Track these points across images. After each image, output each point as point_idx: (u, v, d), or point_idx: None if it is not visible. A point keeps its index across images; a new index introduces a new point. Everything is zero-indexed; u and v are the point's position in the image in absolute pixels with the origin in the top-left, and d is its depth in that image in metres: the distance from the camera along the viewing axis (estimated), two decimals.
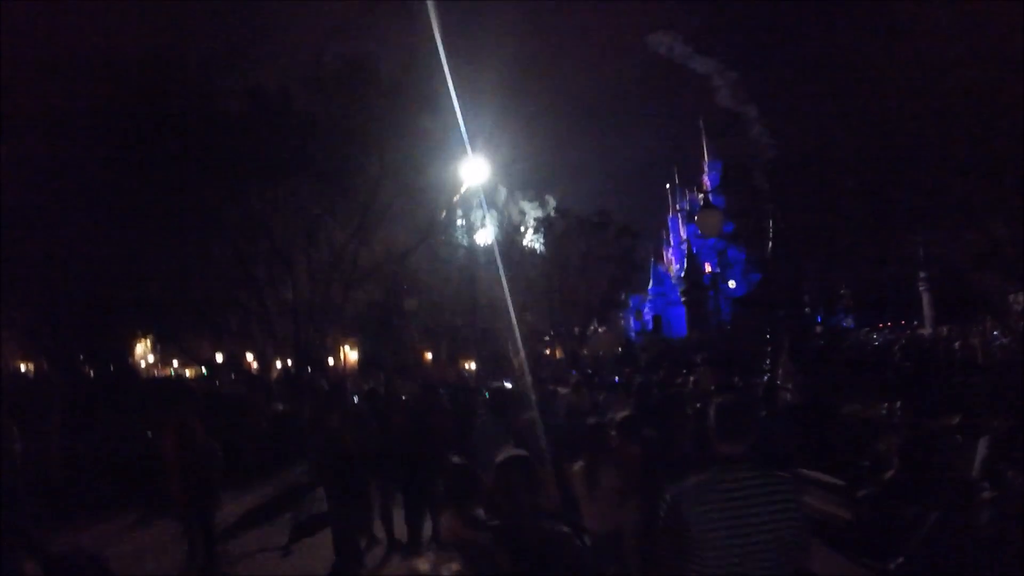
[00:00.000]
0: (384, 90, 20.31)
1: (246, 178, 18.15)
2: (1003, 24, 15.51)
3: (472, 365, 37.09)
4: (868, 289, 30.57)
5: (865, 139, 20.07)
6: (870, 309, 37.78)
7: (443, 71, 23.01)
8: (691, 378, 14.93)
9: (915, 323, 33.26)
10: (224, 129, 17.75)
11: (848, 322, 38.33)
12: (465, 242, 31.61)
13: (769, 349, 21.60)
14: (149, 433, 11.44)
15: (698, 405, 7.12)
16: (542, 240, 38.86)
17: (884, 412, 9.83)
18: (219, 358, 28.62)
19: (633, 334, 53.90)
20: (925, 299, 27.85)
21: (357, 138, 19.75)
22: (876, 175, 20.17)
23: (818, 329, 30.83)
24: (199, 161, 17.44)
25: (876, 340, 31.52)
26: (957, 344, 22.81)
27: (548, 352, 41.87)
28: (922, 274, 25.13)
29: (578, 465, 5.12)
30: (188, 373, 32.12)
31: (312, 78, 19.40)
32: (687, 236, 61.69)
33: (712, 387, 11.30)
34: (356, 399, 13.87)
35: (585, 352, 42.79)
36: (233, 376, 23.63)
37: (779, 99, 27.67)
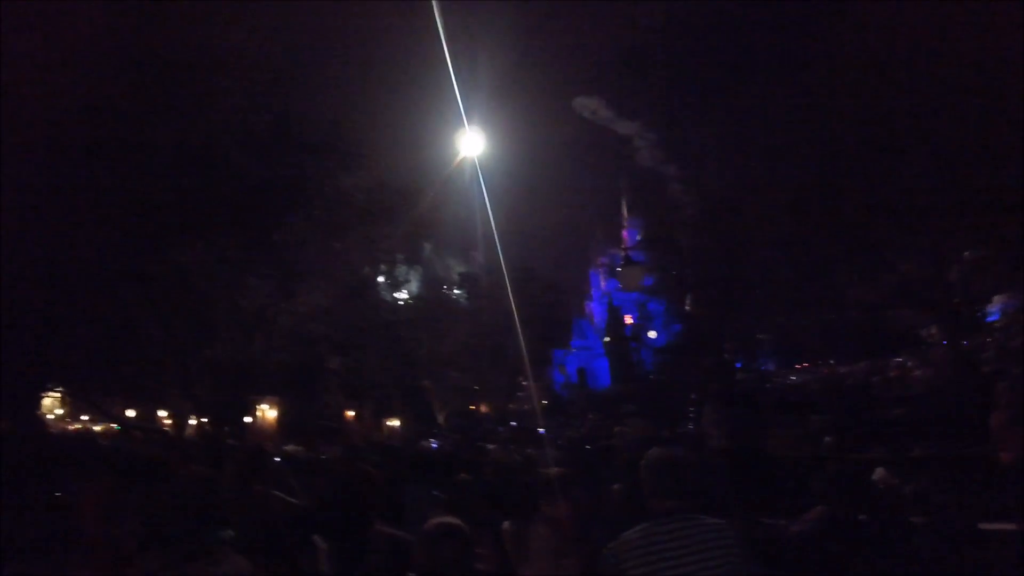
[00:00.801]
0: (312, 148, 20.17)
1: (168, 230, 17.59)
2: (897, 84, 16.60)
3: (398, 424, 36.46)
4: (786, 332, 31.56)
5: (778, 190, 20.97)
6: (789, 352, 38.94)
7: (371, 129, 23.20)
8: (616, 428, 14.98)
9: (831, 362, 34.46)
10: (145, 180, 17.21)
11: (768, 365, 39.35)
12: (389, 298, 31.32)
13: (693, 397, 21.94)
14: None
15: (627, 458, 7.09)
16: (466, 297, 38.87)
17: (811, 449, 10.00)
18: (131, 413, 27.53)
19: (559, 387, 54.09)
20: (841, 340, 28.94)
21: (282, 195, 19.47)
22: (790, 225, 21.08)
23: (739, 375, 31.56)
24: (118, 210, 16.85)
25: (795, 380, 32.47)
26: (875, 379, 23.74)
27: (475, 408, 41.56)
28: (839, 314, 26.16)
29: (509, 525, 4.99)
30: (98, 428, 30.56)
31: (240, 132, 19.12)
32: (608, 290, 62.77)
33: (640, 438, 11.33)
34: (278, 461, 13.34)
35: (512, 407, 42.65)
36: (146, 434, 22.66)
37: (696, 157, 28.80)
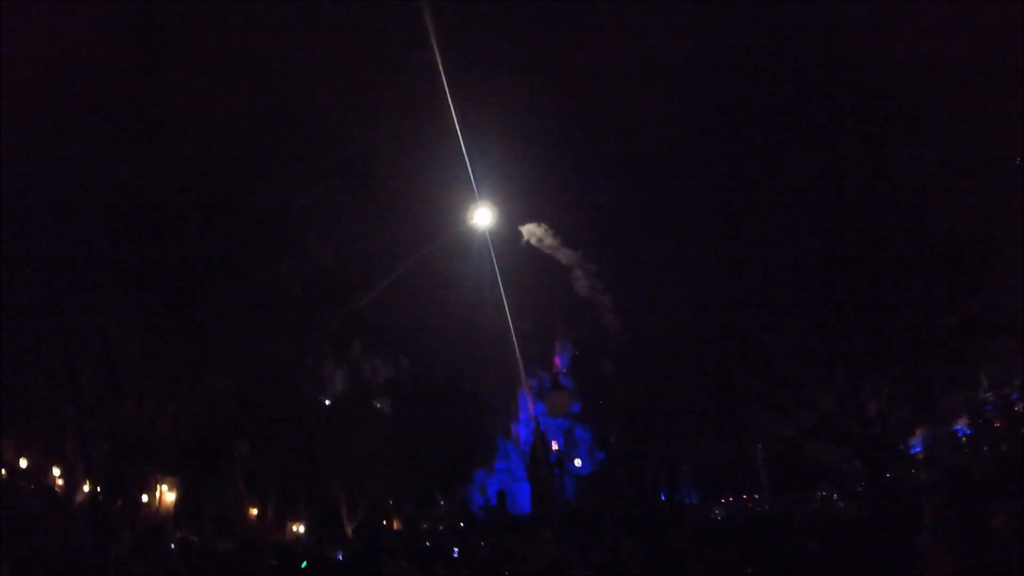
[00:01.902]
0: (254, 226, 19.95)
1: (90, 284, 16.86)
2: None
3: (301, 528, 34.53)
4: (707, 465, 31.58)
5: (701, 327, 21.58)
6: (711, 484, 38.78)
7: (310, 213, 23.15)
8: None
9: (755, 496, 34.39)
10: (72, 229, 16.62)
11: (691, 498, 39.03)
12: (309, 393, 30.24)
13: (612, 526, 21.44)
14: None
15: None
16: (391, 404, 37.93)
17: None
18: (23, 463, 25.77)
19: (477, 508, 52.50)
20: (763, 473, 29.06)
21: (216, 268, 19.02)
22: (712, 360, 21.56)
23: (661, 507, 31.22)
24: (32, 254, 16.13)
25: (718, 515, 32.15)
26: (796, 511, 23.81)
27: (385, 523, 39.72)
28: (759, 447, 26.44)
29: None
30: None
31: (183, 200, 18.80)
32: (536, 413, 62.36)
33: (551, 562, 10.93)
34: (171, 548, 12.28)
35: (425, 526, 40.91)
36: (33, 487, 20.97)
37: (632, 291, 29.62)
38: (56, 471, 23.97)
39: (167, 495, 21.36)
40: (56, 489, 21.32)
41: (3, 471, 22.79)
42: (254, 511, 28.53)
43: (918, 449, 23.98)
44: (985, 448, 22.91)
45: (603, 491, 33.89)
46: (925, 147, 17.27)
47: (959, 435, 24.96)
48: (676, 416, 27.91)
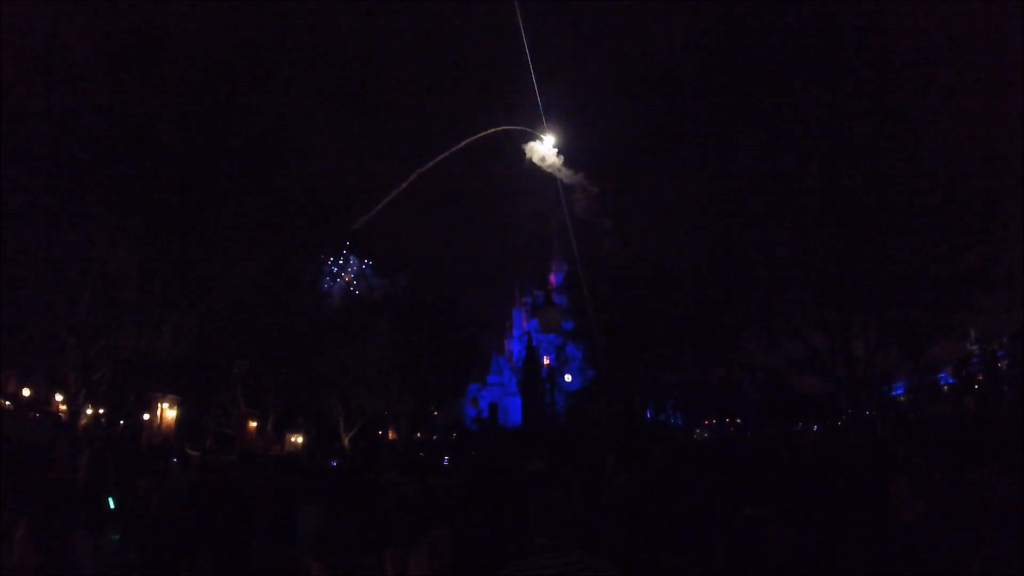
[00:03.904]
0: (247, 144, 19.94)
1: (87, 205, 17.00)
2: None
3: (300, 439, 35.61)
4: (694, 388, 32.41)
5: (699, 256, 21.83)
6: (696, 408, 39.87)
7: (310, 140, 23.07)
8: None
9: (737, 420, 35.37)
10: (69, 150, 16.65)
11: (676, 419, 40.18)
12: (307, 308, 30.68)
13: (598, 442, 22.25)
14: None
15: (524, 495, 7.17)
16: (386, 319, 38.53)
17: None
18: (26, 392, 26.51)
19: (470, 420, 53.91)
20: (748, 401, 29.88)
21: (215, 183, 19.10)
22: (705, 287, 21.92)
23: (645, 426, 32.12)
24: (39, 178, 16.24)
25: (702, 435, 33.14)
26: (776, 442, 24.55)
27: (382, 433, 40.96)
28: (747, 376, 27.04)
29: (391, 552, 5.03)
30: None
31: (180, 117, 18.74)
32: (528, 329, 63.20)
33: (537, 473, 11.43)
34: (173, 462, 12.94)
35: (419, 436, 42.22)
36: (37, 416, 21.65)
37: (630, 215, 29.70)
38: (59, 398, 24.58)
39: (168, 413, 22.02)
40: (60, 416, 21.85)
41: (7, 402, 23.35)
42: (254, 424, 29.43)
43: (900, 391, 24.57)
44: (966, 400, 23.43)
45: (591, 407, 34.87)
46: (932, 92, 17.13)
47: (942, 384, 25.55)
48: (666, 339, 28.53)
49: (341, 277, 35.03)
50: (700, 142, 20.92)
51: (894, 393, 24.68)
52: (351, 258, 35.48)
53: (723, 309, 21.54)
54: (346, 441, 33.97)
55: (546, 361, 56.90)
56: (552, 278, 64.87)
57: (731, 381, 27.82)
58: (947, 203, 16.83)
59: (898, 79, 17.28)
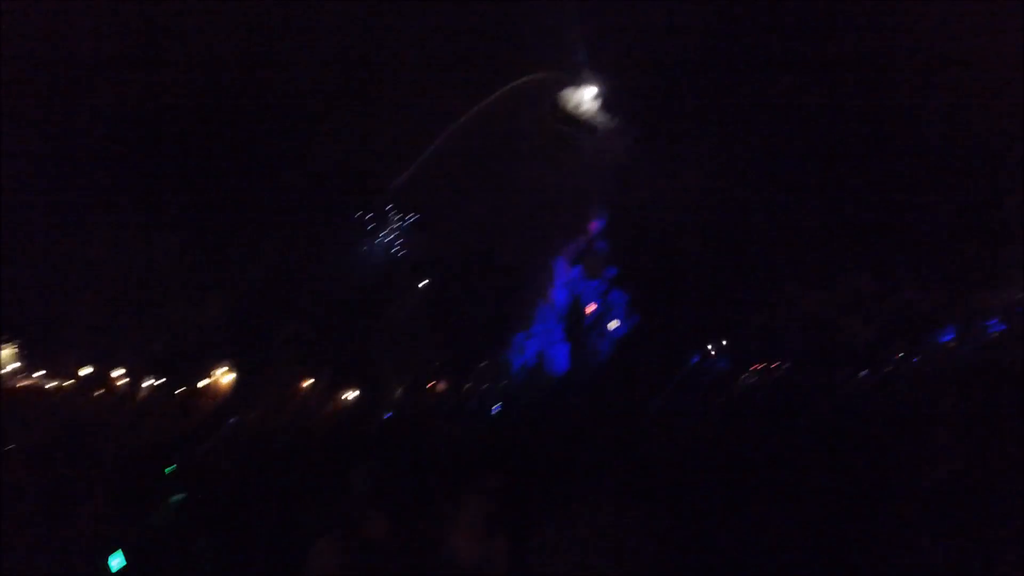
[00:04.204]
0: (279, 110, 20.05)
1: (132, 189, 17.39)
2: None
3: (354, 395, 36.40)
4: (741, 334, 32.11)
5: (744, 195, 21.47)
6: (742, 353, 39.48)
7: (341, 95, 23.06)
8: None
9: (785, 366, 34.85)
10: (110, 135, 17.00)
11: (723, 363, 39.86)
12: (349, 266, 31.14)
13: (644, 385, 22.29)
14: None
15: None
16: (431, 273, 38.83)
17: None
18: (88, 370, 27.25)
19: (516, 369, 54.31)
20: (794, 345, 29.46)
21: (245, 155, 19.33)
22: (752, 232, 21.62)
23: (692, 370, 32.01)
24: (84, 166, 16.65)
25: (748, 380, 32.79)
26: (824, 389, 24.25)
27: (431, 386, 41.60)
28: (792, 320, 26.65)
29: (442, 496, 5.17)
30: (52, 384, 30.21)
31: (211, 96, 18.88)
32: (571, 277, 63.03)
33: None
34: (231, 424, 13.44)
35: (467, 387, 42.79)
36: (98, 393, 22.35)
37: (671, 159, 29.25)
38: (117, 373, 25.33)
39: (223, 380, 22.66)
40: (119, 390, 22.53)
41: (69, 381, 24.12)
42: (306, 384, 30.11)
43: (949, 338, 23.91)
44: (1016, 348, 22.71)
45: (636, 352, 34.92)
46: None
47: (990, 331, 24.74)
48: (711, 283, 28.28)
49: (383, 236, 35.28)
50: (743, 82, 20.44)
51: (943, 339, 24.12)
52: (393, 216, 35.68)
53: (768, 251, 21.25)
54: (397, 395, 34.64)
55: (591, 308, 56.85)
56: (593, 224, 64.25)
57: (776, 326, 27.48)
58: (995, 147, 16.26)
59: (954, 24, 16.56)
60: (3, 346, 24.73)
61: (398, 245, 40.07)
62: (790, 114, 18.79)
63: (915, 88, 16.70)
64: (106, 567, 6.10)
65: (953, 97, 16.40)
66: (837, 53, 17.60)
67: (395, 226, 40.68)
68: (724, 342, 38.30)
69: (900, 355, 19.95)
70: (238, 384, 24.20)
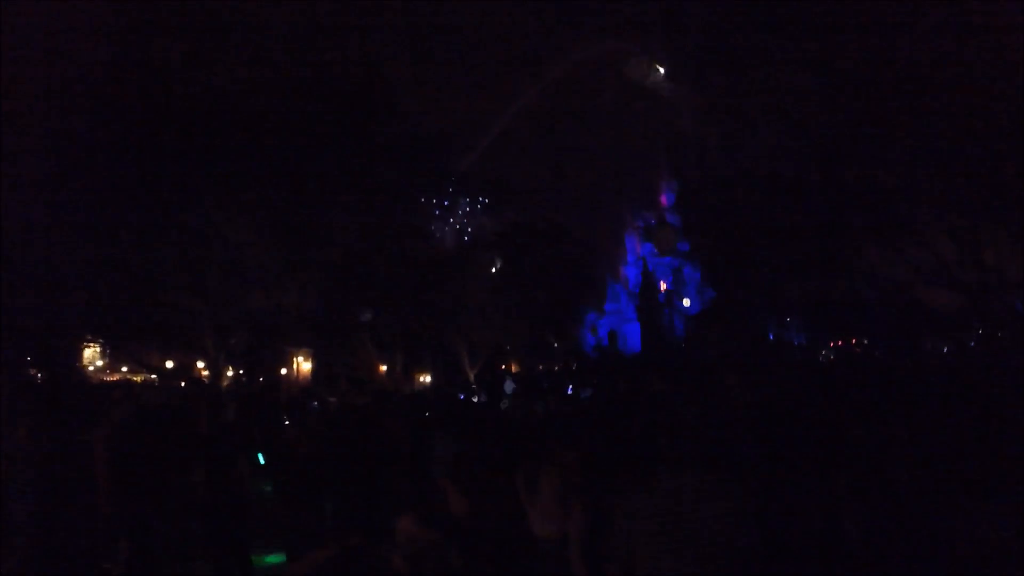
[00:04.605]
0: (347, 97, 20.36)
1: (202, 183, 17.95)
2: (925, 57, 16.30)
3: (428, 378, 37.03)
4: (818, 307, 31.22)
5: (813, 161, 20.79)
6: (819, 327, 38.50)
7: (408, 79, 23.28)
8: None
9: (864, 341, 33.81)
10: (179, 132, 17.57)
11: (800, 339, 38.98)
12: (419, 250, 31.61)
13: (720, 363, 21.96)
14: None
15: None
16: (501, 253, 39.07)
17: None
18: (169, 364, 28.32)
19: (590, 349, 54.33)
20: (874, 317, 28.54)
21: (314, 144, 19.70)
22: (826, 198, 20.91)
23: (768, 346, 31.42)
24: (154, 164, 17.25)
25: (827, 356, 31.96)
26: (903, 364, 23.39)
27: (505, 367, 42.01)
28: (871, 290, 25.72)
29: (521, 471, 5.24)
30: (137, 379, 31.60)
31: (279, 87, 19.32)
32: (643, 254, 62.41)
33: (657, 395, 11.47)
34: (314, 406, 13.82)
35: (541, 367, 43.02)
36: (183, 384, 23.24)
37: (738, 124, 28.49)
38: (200, 364, 26.26)
39: (304, 366, 23.34)
40: (203, 380, 23.41)
41: (153, 375, 25.07)
42: (383, 368, 30.79)
43: None
44: None
45: (711, 329, 34.44)
46: None
47: None
48: (786, 254, 27.57)
49: (452, 216, 35.67)
50: (813, 43, 19.74)
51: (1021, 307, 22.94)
52: (461, 196, 36.00)
53: (844, 218, 20.54)
54: (471, 375, 35.10)
55: (663, 286, 56.32)
56: (663, 199, 63.35)
57: (855, 296, 26.56)
58: None
59: None
60: (89, 345, 25.91)
61: (470, 227, 40.44)
62: (859, 82, 18.06)
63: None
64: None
65: None
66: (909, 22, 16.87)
67: (466, 208, 41.03)
68: (801, 315, 37.38)
69: (980, 327, 19.08)
70: (317, 370, 24.91)
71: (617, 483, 4.30)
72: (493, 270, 37.00)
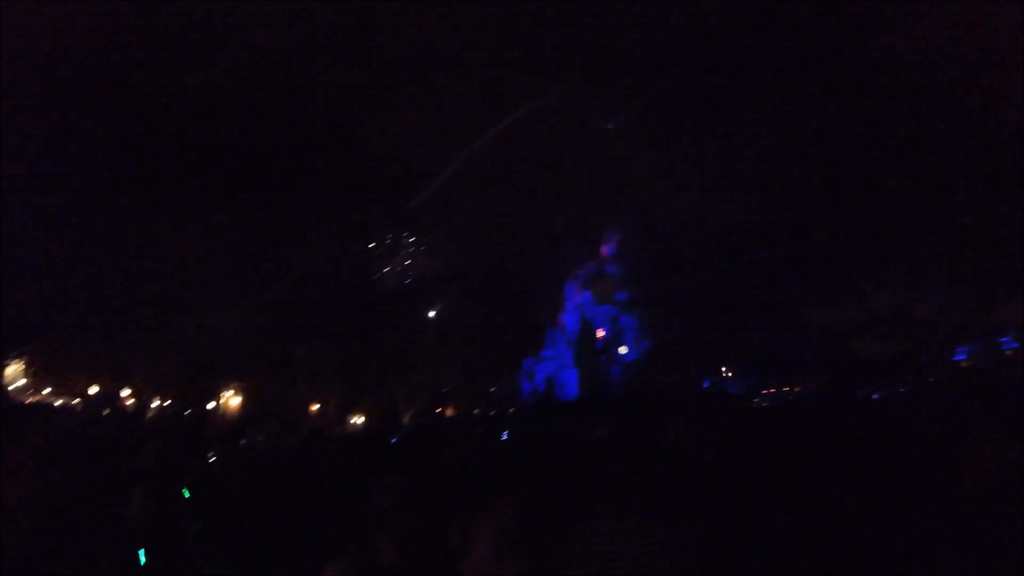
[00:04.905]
0: (299, 130, 20.17)
1: (148, 205, 17.47)
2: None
3: (361, 420, 36.34)
4: (752, 356, 31.83)
5: (753, 214, 21.41)
6: (754, 375, 39.16)
7: (363, 117, 23.24)
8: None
9: (797, 389, 34.46)
10: (126, 142, 17.14)
11: (734, 388, 39.52)
12: (363, 286, 31.25)
13: (657, 409, 22.11)
14: None
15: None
16: (440, 297, 38.89)
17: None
18: (94, 389, 27.31)
19: (526, 395, 54.16)
20: (807, 366, 29.16)
21: (263, 175, 19.42)
22: (762, 248, 21.53)
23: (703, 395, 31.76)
24: (98, 173, 16.76)
25: (760, 404, 32.38)
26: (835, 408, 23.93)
27: (440, 411, 41.53)
28: (805, 340, 26.34)
29: (453, 519, 5.06)
30: (58, 402, 30.22)
31: (231, 115, 18.98)
32: (582, 302, 62.89)
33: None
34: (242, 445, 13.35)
35: (476, 412, 42.66)
36: (107, 412, 22.34)
37: (682, 179, 29.28)
38: (126, 393, 25.22)
39: (232, 400, 22.66)
40: (128, 410, 22.45)
41: (76, 399, 24.00)
42: (316, 407, 30.11)
43: (962, 357, 23.65)
44: None
45: (648, 377, 34.73)
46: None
47: (1004, 348, 24.41)
48: (722, 304, 28.14)
49: (397, 257, 35.45)
50: (757, 102, 20.44)
51: (955, 358, 23.85)
52: (407, 237, 35.86)
53: (780, 270, 21.14)
54: (406, 419, 34.56)
55: (601, 333, 56.70)
56: (604, 249, 64.18)
57: (789, 346, 27.20)
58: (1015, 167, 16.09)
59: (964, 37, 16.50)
60: (11, 362, 24.74)
61: (411, 269, 40.21)
62: (803, 132, 18.75)
63: (940, 102, 16.69)
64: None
65: (978, 115, 16.38)
66: (850, 60, 17.59)
67: (408, 250, 40.82)
68: (737, 365, 37.97)
69: (913, 375, 19.69)
70: (248, 405, 24.19)
71: (555, 530, 4.16)
72: (432, 313, 36.76)
